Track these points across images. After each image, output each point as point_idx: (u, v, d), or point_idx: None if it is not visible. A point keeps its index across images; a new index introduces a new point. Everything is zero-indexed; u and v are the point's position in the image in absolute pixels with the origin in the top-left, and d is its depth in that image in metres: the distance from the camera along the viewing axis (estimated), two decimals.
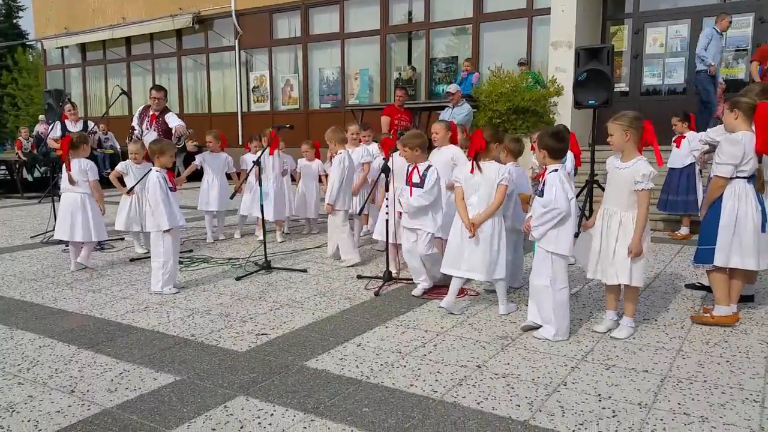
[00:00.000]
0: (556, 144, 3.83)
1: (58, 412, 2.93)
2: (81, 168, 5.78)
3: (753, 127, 3.86)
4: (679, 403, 2.90)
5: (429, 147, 5.15)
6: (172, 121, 7.35)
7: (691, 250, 6.13)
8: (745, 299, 4.39)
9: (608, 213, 3.79)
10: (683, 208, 6.93)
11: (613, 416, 2.78)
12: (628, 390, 3.05)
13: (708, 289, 4.64)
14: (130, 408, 2.97)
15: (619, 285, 3.82)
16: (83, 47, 18.37)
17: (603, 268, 3.80)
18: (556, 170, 3.82)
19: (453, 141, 5.41)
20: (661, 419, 2.75)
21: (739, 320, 4.03)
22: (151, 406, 2.99)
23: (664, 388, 3.07)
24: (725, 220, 3.88)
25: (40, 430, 2.76)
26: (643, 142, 3.72)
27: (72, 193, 5.79)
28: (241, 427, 2.76)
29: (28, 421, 2.85)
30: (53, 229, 6.12)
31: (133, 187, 6.38)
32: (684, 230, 7.05)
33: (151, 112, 7.45)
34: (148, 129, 7.42)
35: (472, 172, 4.21)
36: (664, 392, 3.02)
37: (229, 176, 7.64)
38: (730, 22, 8.75)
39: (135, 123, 7.55)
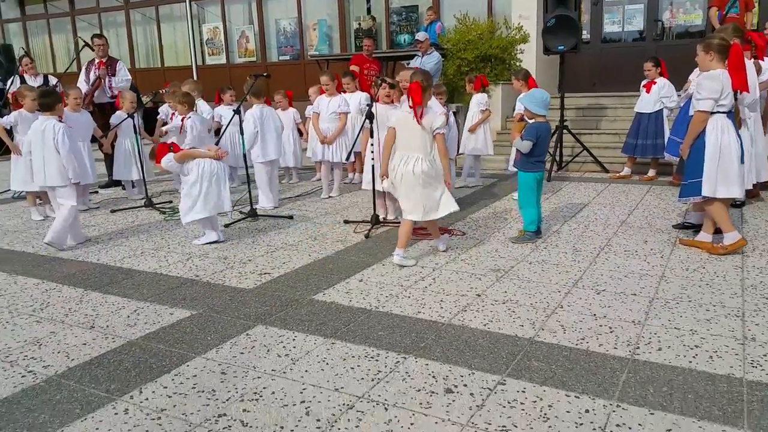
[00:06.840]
0: (43, 99, 4.81)
1: (85, 344, 2.99)
2: None
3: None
4: (669, 320, 3.15)
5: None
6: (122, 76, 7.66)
7: (658, 190, 6.50)
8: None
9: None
10: (652, 152, 7.13)
11: (611, 332, 3.02)
12: (621, 310, 3.29)
13: (695, 227, 4.87)
14: (155, 338, 3.05)
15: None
16: (21, 0, 17.38)
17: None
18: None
19: None
20: (655, 333, 2.99)
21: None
22: (175, 336, 3.08)
23: (653, 307, 3.33)
24: (710, 152, 4.04)
25: (72, 359, 2.82)
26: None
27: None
28: (268, 350, 2.88)
29: (58, 352, 2.91)
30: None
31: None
32: (651, 172, 7.32)
33: (97, 60, 7.63)
34: (95, 74, 7.59)
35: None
36: (653, 311, 3.27)
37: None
38: None
39: (82, 77, 7.71)
